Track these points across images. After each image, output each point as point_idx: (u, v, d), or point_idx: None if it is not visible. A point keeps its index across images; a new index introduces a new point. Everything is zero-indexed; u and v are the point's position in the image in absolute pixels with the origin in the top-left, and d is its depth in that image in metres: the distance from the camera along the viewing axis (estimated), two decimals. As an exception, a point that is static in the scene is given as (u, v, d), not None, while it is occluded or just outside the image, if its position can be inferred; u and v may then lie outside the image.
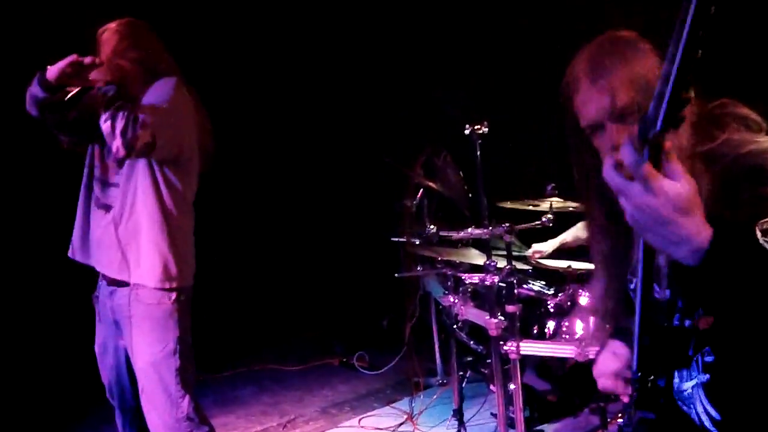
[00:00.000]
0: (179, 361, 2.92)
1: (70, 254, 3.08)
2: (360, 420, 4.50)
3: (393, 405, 4.70)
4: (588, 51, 1.58)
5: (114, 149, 2.70)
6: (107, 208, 2.91)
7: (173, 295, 2.90)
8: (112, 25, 2.96)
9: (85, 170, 3.04)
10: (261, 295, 5.92)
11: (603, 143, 1.53)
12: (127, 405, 3.17)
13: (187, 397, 2.94)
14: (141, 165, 2.85)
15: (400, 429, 4.30)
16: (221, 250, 5.55)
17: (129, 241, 2.87)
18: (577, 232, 3.83)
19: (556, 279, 3.55)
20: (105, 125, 2.69)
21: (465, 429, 3.83)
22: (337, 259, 6.18)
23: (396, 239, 4.54)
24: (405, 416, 4.44)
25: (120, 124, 2.65)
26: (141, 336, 2.89)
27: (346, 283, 6.15)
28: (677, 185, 1.18)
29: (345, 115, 6.17)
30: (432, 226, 4.02)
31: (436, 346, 4.92)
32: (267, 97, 5.99)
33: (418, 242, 4.31)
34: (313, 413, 4.68)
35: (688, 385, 1.51)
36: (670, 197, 1.17)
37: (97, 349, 3.18)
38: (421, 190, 4.20)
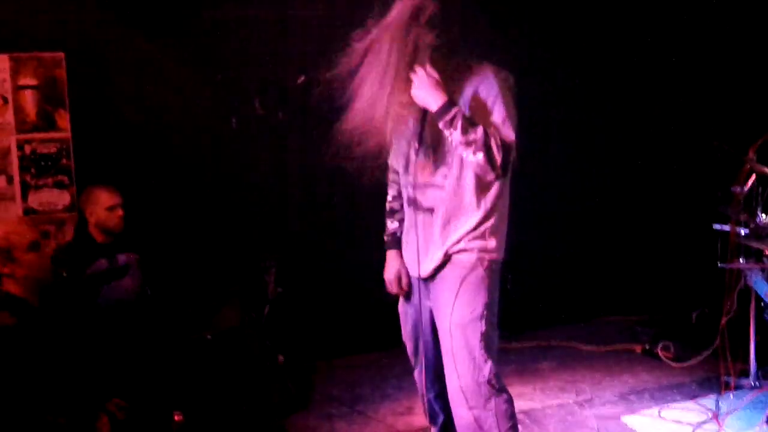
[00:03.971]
0: (485, 326, 2.99)
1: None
2: (660, 411, 4.32)
3: (697, 401, 4.44)
4: None
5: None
6: (431, 210, 3.02)
7: (486, 264, 2.98)
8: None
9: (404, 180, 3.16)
10: (568, 272, 5.87)
11: None
12: (429, 364, 3.31)
13: (489, 363, 3.00)
14: (457, 156, 2.93)
15: (703, 426, 4.07)
16: (540, 224, 5.54)
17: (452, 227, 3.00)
18: None
19: None
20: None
21: (778, 438, 3.54)
22: (652, 243, 5.93)
23: (719, 227, 4.26)
24: (710, 414, 4.19)
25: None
26: (452, 298, 2.99)
27: (658, 268, 5.90)
28: None
29: (672, 95, 5.87)
30: (764, 216, 3.74)
31: (752, 347, 4.55)
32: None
33: (744, 232, 4.03)
34: (610, 396, 4.58)
35: None
36: None
37: (400, 308, 3.39)
38: (754, 176, 3.89)
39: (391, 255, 3.34)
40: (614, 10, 5.75)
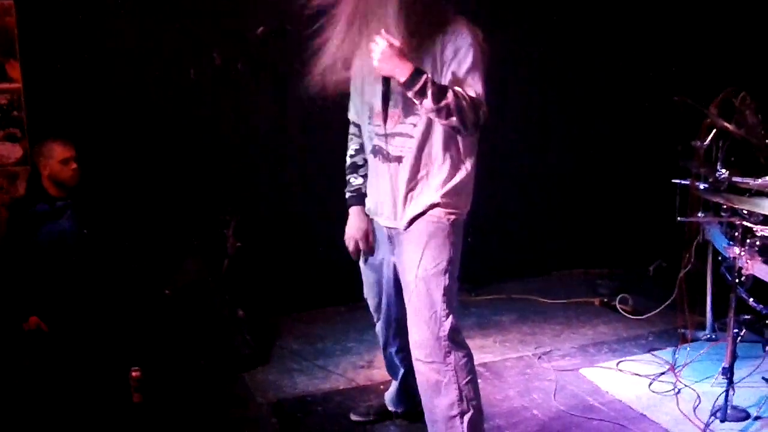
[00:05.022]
0: (448, 280, 2.99)
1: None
2: (618, 363, 4.38)
3: (654, 353, 4.50)
4: None
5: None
6: (399, 159, 2.98)
7: (452, 218, 2.97)
8: None
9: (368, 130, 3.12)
10: (528, 225, 5.88)
11: None
12: (392, 318, 3.33)
13: (450, 318, 3.00)
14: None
15: (660, 378, 4.13)
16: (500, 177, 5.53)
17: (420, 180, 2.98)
18: None
19: None
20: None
21: (734, 389, 3.59)
22: (612, 197, 5.96)
23: (679, 182, 4.28)
24: (667, 366, 4.25)
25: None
26: (417, 251, 2.98)
27: (617, 221, 5.94)
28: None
29: (634, 48, 5.85)
30: (723, 171, 3.75)
31: (709, 300, 4.62)
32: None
33: (703, 187, 4.05)
34: (570, 349, 4.63)
35: None
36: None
37: (362, 263, 3.37)
38: (714, 131, 3.90)
39: (354, 211, 3.31)
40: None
